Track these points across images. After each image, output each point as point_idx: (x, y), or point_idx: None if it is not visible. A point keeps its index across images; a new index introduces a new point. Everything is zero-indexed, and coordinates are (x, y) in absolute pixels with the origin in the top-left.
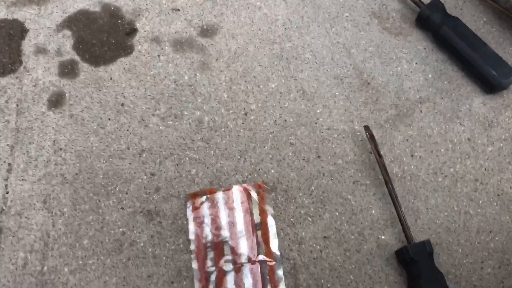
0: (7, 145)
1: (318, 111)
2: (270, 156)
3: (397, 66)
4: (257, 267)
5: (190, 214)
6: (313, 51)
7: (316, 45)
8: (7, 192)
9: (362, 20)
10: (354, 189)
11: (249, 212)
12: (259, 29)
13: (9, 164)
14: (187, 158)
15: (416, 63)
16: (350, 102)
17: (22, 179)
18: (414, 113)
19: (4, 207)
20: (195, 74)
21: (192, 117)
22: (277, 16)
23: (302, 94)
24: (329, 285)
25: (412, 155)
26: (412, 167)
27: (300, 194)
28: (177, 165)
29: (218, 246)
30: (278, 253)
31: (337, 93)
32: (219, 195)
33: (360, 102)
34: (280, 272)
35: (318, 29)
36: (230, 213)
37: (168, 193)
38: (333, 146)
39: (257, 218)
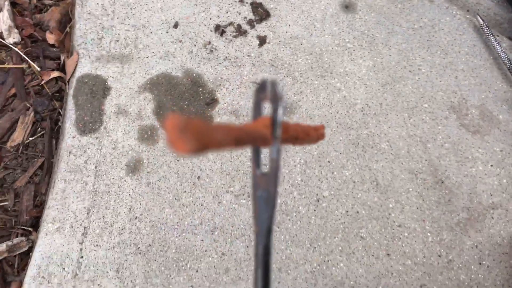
0: (84, 207)
1: (390, 205)
2: (340, 248)
3: (472, 166)
4: None
5: None
6: (389, 141)
7: (393, 135)
8: (82, 257)
9: (441, 113)
10: None
11: None
12: (337, 112)
13: (85, 227)
14: None
15: (492, 166)
16: (423, 200)
17: (97, 245)
18: (486, 218)
19: (78, 272)
20: None
21: None
22: (356, 100)
23: (375, 186)
24: None
25: (480, 263)
26: (480, 275)
27: None
28: (247, 246)
29: None
30: None
31: (410, 189)
32: None
33: (432, 201)
34: None
35: (396, 118)
36: None
37: (237, 275)
38: (403, 244)
39: None
